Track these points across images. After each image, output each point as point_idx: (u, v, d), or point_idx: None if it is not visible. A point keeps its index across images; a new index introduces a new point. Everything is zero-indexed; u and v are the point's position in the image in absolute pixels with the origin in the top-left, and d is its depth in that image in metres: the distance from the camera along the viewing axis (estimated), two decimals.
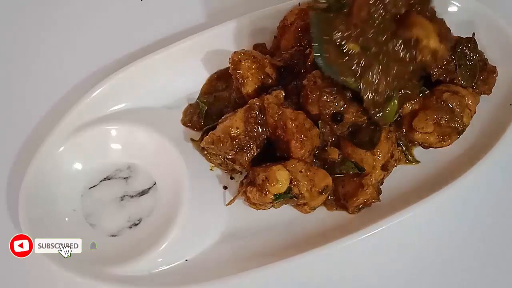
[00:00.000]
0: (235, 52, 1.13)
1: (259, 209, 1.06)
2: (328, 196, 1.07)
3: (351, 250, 1.03)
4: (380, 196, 1.07)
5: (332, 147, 1.06)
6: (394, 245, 1.06)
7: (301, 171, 1.00)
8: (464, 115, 1.10)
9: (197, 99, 1.22)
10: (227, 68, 1.17)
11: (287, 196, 1.01)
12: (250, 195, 1.02)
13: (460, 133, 1.11)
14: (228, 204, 1.08)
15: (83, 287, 0.99)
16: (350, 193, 1.06)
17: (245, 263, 1.00)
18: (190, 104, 1.22)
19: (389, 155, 1.06)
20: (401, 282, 1.03)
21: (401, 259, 1.05)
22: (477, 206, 1.10)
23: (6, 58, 1.34)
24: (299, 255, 0.96)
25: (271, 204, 1.04)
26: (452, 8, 1.25)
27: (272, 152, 1.08)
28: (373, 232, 0.98)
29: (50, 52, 1.34)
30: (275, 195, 1.00)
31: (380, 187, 1.09)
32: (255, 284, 1.01)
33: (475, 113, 1.13)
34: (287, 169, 1.00)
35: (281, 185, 0.99)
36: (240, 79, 1.13)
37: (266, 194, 0.99)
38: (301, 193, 1.01)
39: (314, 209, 1.07)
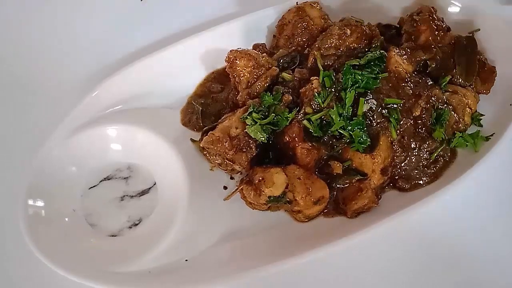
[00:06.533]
0: (231, 51, 1.13)
1: (255, 208, 1.06)
2: (324, 209, 1.06)
3: (350, 250, 1.03)
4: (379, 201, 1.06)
5: (336, 162, 1.04)
6: (393, 245, 1.06)
7: (299, 178, 1.00)
8: (465, 114, 1.11)
9: (192, 101, 1.22)
10: (225, 67, 1.17)
11: (281, 200, 1.01)
12: (245, 193, 1.02)
13: (462, 132, 1.11)
14: (226, 198, 1.08)
15: (83, 287, 0.98)
16: (349, 197, 1.05)
17: (245, 263, 1.00)
18: (188, 104, 1.22)
19: (389, 159, 1.05)
20: (401, 282, 1.03)
21: (400, 259, 1.05)
22: (477, 206, 1.10)
23: (7, 58, 1.34)
24: (299, 256, 0.96)
25: (266, 206, 1.04)
26: (453, 8, 1.25)
27: (277, 155, 1.08)
28: (373, 233, 0.98)
29: (50, 52, 1.35)
30: (269, 197, 0.99)
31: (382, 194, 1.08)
32: (255, 284, 1.01)
33: (475, 111, 1.13)
34: (285, 174, 1.00)
35: (276, 188, 0.98)
36: (237, 77, 1.13)
37: (260, 195, 0.99)
38: (295, 200, 1.00)
39: (310, 219, 1.06)
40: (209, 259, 1.03)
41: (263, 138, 1.04)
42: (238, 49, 1.13)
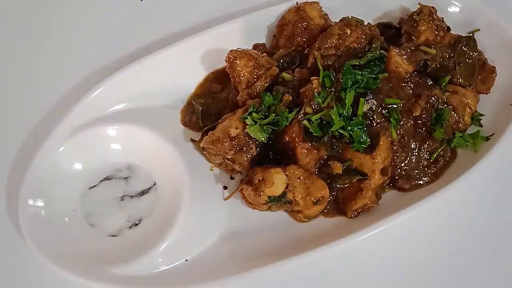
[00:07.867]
0: (231, 51, 1.13)
1: (255, 209, 1.06)
2: (324, 209, 1.06)
3: (350, 250, 1.03)
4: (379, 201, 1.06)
5: (336, 162, 1.03)
6: (393, 245, 1.06)
7: (299, 178, 1.00)
8: (465, 114, 1.11)
9: (192, 100, 1.22)
10: (225, 67, 1.17)
11: (281, 200, 1.01)
12: (245, 193, 1.02)
13: (462, 132, 1.11)
14: (226, 198, 1.08)
15: (83, 287, 0.98)
16: (349, 197, 1.05)
17: (245, 263, 1.00)
18: (188, 104, 1.22)
19: (389, 159, 1.05)
20: (401, 282, 1.03)
21: (401, 259, 1.05)
22: (477, 206, 1.10)
23: (6, 57, 1.34)
24: (299, 256, 0.96)
25: (266, 206, 1.04)
26: (453, 8, 1.25)
27: (277, 155, 1.08)
28: (372, 233, 0.98)
29: (50, 52, 1.34)
30: (269, 197, 1.00)
31: (382, 194, 1.08)
32: (255, 284, 1.01)
33: (475, 111, 1.13)
34: (285, 174, 1.00)
35: (276, 188, 0.99)
36: (237, 77, 1.13)
37: (260, 195, 0.99)
38: (295, 200, 1.00)
39: (310, 219, 1.06)
40: (209, 259, 1.03)
41: (263, 138, 1.04)
42: (238, 49, 1.13)
